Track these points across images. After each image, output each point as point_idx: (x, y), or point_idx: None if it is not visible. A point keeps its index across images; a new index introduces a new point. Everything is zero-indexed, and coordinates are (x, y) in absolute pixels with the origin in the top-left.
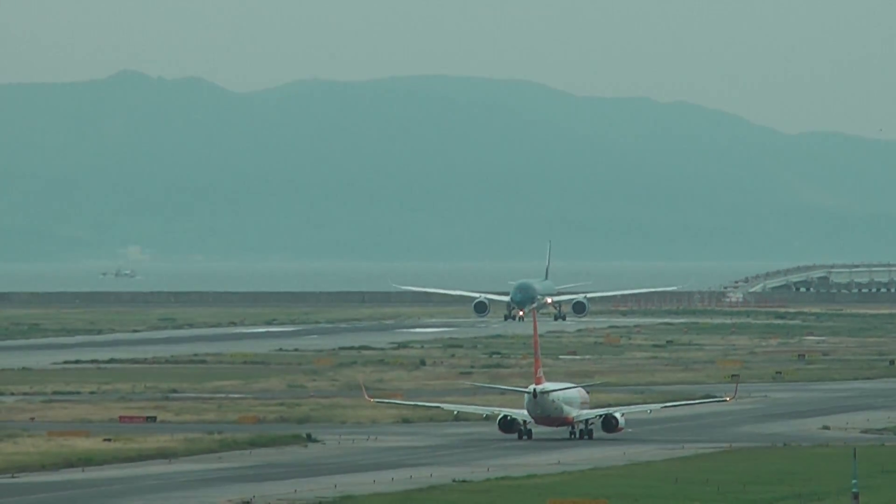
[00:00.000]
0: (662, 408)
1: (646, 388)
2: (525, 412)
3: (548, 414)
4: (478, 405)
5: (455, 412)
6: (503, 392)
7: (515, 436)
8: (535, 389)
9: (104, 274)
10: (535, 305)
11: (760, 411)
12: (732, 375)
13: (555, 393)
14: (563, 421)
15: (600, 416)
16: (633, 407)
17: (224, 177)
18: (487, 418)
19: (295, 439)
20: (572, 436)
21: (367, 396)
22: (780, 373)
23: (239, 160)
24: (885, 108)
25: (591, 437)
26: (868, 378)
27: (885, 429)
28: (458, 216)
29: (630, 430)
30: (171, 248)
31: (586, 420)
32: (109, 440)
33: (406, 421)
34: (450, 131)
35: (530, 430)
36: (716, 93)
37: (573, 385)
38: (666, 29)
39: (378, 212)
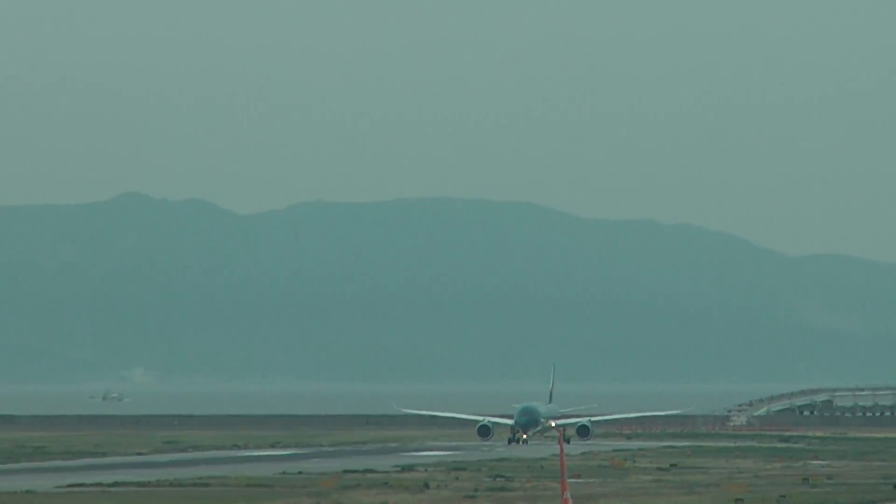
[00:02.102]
0: None
1: None
2: None
3: None
4: None
5: None
6: None
7: None
8: None
9: (91, 397)
10: (539, 428)
11: None
12: (736, 500)
13: None
14: None
15: None
16: None
17: (228, 298)
18: None
19: None
20: None
21: None
22: (785, 496)
23: (242, 282)
24: (888, 230)
25: None
26: (873, 502)
27: None
28: (463, 338)
29: None
30: (174, 369)
31: None
32: None
33: None
34: (454, 253)
35: None
36: (719, 215)
37: None
38: (669, 151)
39: (382, 334)
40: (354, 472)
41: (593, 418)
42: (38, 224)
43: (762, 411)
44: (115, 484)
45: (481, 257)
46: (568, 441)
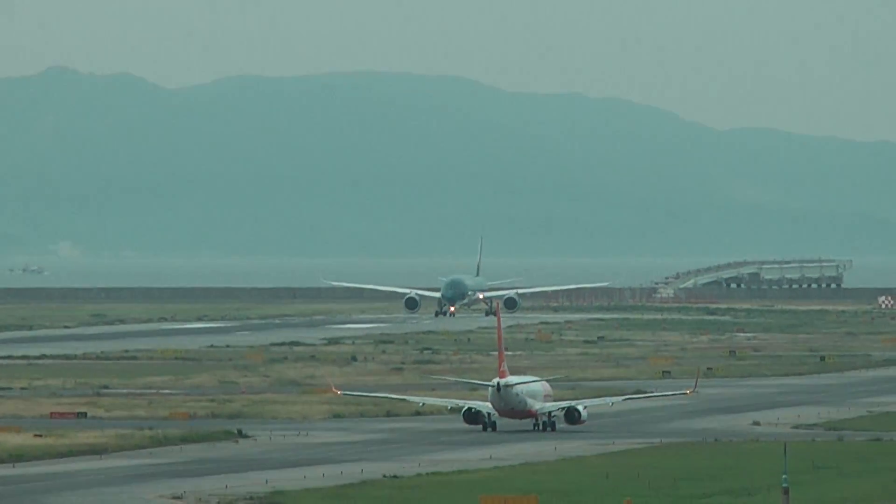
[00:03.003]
0: (624, 400)
1: (576, 384)
2: (489, 405)
3: (511, 407)
4: (442, 398)
5: (421, 404)
6: (433, 388)
7: (480, 427)
8: (498, 383)
9: (11, 270)
10: (466, 301)
11: (691, 407)
12: (663, 372)
13: (518, 386)
14: (526, 413)
15: (563, 408)
16: (595, 400)
17: (154, 173)
18: (452, 410)
19: (226, 435)
20: (536, 428)
21: (334, 389)
22: (711, 369)
23: (169, 156)
24: (815, 104)
25: (553, 429)
26: (799, 374)
27: (815, 424)
28: (390, 212)
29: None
30: (101, 243)
31: (549, 412)
32: (40, 436)
33: (337, 416)
34: (381, 127)
35: (494, 422)
36: (648, 89)
37: (537, 378)
38: (598, 25)
39: (309, 208)
40: (282, 345)
41: (520, 291)
42: None
43: (689, 284)
44: (42, 356)
45: (409, 132)
46: (495, 314)
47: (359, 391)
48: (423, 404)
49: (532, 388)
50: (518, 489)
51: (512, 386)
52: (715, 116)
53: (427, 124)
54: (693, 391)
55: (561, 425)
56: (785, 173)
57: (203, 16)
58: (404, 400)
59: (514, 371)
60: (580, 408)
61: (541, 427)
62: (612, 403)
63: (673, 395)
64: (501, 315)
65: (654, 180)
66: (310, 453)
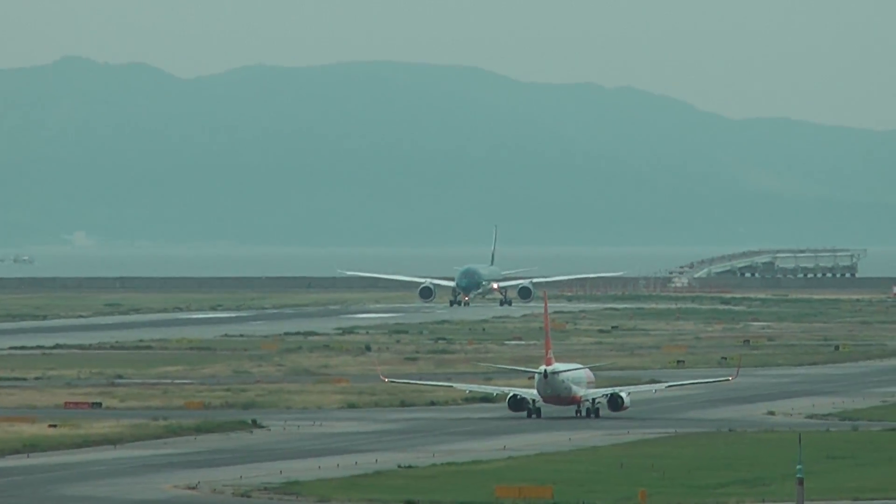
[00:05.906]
0: (667, 387)
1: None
2: (534, 391)
3: (557, 393)
4: (488, 385)
5: (467, 391)
6: (448, 378)
7: (525, 414)
8: (545, 370)
9: (2, 260)
10: (480, 291)
11: (706, 396)
12: (678, 362)
13: (564, 373)
14: (571, 400)
15: (606, 395)
16: (638, 387)
17: (169, 162)
18: (497, 397)
19: (241, 425)
20: (578, 414)
21: (382, 377)
22: (726, 358)
23: (184, 146)
24: (830, 93)
25: (597, 416)
26: (813, 364)
27: (829, 414)
28: (404, 202)
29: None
30: (116, 233)
31: (593, 399)
32: (55, 426)
33: (352, 406)
34: (395, 117)
35: (539, 409)
36: (662, 78)
37: (581, 366)
38: (612, 14)
39: (323, 197)
40: (296, 334)
41: (535, 280)
42: None
43: (703, 273)
44: (57, 346)
45: (424, 122)
46: (510, 303)
47: (404, 378)
48: (470, 391)
49: (576, 374)
50: (533, 479)
51: (558, 373)
52: (730, 106)
53: (442, 115)
54: (735, 377)
55: (604, 412)
56: (800, 163)
57: (218, 5)
58: (451, 387)
59: (528, 359)
60: (623, 394)
61: (584, 413)
62: (656, 391)
63: (715, 381)
64: (517, 304)
65: (669, 170)
66: (324, 443)
